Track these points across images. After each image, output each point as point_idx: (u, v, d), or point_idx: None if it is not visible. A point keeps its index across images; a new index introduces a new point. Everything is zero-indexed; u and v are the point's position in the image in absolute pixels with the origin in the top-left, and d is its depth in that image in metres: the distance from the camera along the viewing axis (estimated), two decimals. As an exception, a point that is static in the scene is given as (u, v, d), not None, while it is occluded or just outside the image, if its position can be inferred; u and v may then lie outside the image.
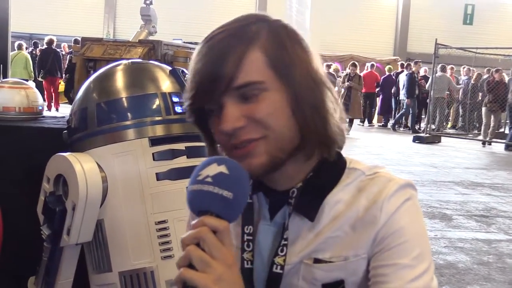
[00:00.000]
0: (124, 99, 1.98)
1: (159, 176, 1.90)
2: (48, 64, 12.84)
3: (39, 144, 2.80)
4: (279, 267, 0.93)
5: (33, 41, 15.82)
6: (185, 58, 2.97)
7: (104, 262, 1.93)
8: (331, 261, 0.91)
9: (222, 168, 0.82)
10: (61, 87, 12.96)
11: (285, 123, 0.89)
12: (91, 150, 1.95)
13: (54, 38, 13.53)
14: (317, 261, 0.92)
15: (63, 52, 14.42)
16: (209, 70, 0.88)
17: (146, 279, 1.88)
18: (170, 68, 2.11)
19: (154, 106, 1.98)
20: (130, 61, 2.17)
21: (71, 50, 12.56)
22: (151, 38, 3.30)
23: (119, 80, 2.04)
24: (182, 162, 1.92)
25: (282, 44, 0.90)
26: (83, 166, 1.88)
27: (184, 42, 5.02)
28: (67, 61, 12.57)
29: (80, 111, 2.01)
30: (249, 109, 0.88)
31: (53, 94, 13.32)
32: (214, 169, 0.83)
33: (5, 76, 3.91)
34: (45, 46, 13.38)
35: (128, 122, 1.95)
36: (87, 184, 1.86)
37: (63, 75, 12.64)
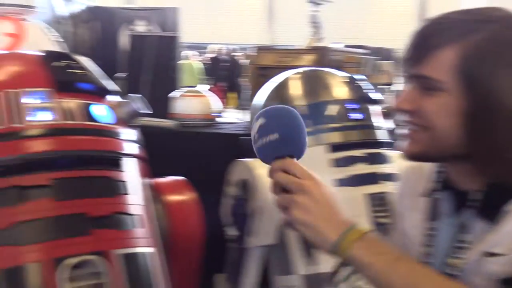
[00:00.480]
0: (300, 106, 2.04)
1: (339, 183, 1.93)
2: (216, 71, 13.58)
3: (216, 148, 2.98)
4: (454, 268, 0.94)
5: (198, 50, 16.79)
6: (354, 63, 2.98)
7: (287, 264, 2.00)
8: (507, 254, 0.88)
9: (260, 121, 0.95)
10: (230, 95, 13.61)
11: (451, 129, 0.89)
12: (272, 156, 2.02)
13: (219, 47, 14.26)
14: (492, 255, 0.90)
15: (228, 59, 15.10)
16: (410, 45, 0.92)
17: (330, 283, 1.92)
18: (346, 75, 2.14)
19: (331, 113, 2.01)
20: (305, 69, 2.23)
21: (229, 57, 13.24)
22: (319, 44, 3.35)
23: (296, 89, 2.11)
24: (362, 168, 1.94)
25: (491, 57, 0.87)
26: (264, 171, 1.96)
27: (345, 46, 5.04)
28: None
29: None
30: (421, 100, 0.90)
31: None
32: (256, 126, 0.97)
33: (176, 84, 4.18)
34: (211, 54, 14.15)
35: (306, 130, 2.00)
36: (267, 190, 1.93)
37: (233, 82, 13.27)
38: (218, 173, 2.28)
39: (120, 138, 1.16)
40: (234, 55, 14.30)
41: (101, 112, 1.14)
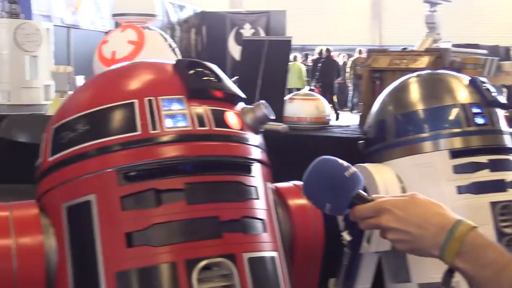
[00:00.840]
0: (420, 111, 1.99)
1: (460, 190, 1.87)
2: (322, 72, 13.57)
3: (329, 151, 2.97)
4: None
5: (304, 52, 16.86)
6: (473, 65, 2.86)
7: (402, 272, 1.96)
8: None
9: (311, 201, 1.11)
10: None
11: None
12: (389, 161, 1.99)
13: (325, 48, 14.23)
14: None
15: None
16: None
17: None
18: (469, 78, 2.06)
19: (453, 118, 1.95)
20: (425, 72, 2.17)
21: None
22: (436, 45, 3.25)
23: (415, 92, 2.06)
24: (484, 175, 1.86)
25: None
26: (383, 176, 1.93)
27: (453, 45, 4.84)
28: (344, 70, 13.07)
29: (378, 123, 2.08)
30: None
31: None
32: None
33: (285, 86, 4.20)
34: (317, 56, 14.15)
35: (425, 135, 1.95)
36: (387, 194, 1.90)
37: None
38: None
39: (249, 143, 1.19)
40: (332, 56, 14.22)
41: (231, 118, 1.16)
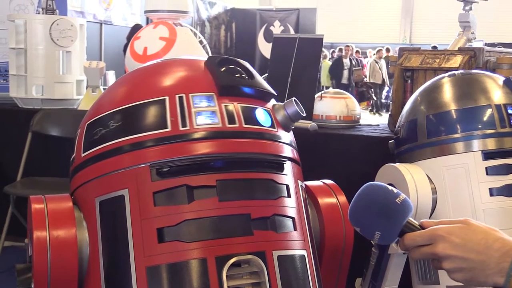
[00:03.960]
0: (453, 111, 1.96)
1: (493, 192, 1.84)
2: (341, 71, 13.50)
3: (358, 150, 2.96)
4: None
5: (331, 50, 16.77)
6: (509, 65, 2.80)
7: (431, 273, 1.94)
8: None
9: (358, 230, 1.05)
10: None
11: None
12: (420, 162, 1.97)
13: (353, 46, 14.14)
14: None
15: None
16: None
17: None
18: (504, 78, 2.02)
19: (487, 119, 1.91)
20: (459, 71, 2.14)
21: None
22: (470, 45, 3.19)
23: (448, 92, 2.03)
24: (520, 178, 1.83)
25: None
26: (413, 176, 1.92)
27: (486, 45, 4.75)
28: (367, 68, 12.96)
29: (409, 122, 2.06)
30: None
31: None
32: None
33: (315, 84, 4.19)
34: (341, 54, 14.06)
35: (457, 135, 1.93)
36: (417, 194, 1.89)
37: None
38: (362, 176, 2.26)
39: (281, 141, 1.19)
40: (355, 55, 14.10)
41: (262, 115, 1.16)
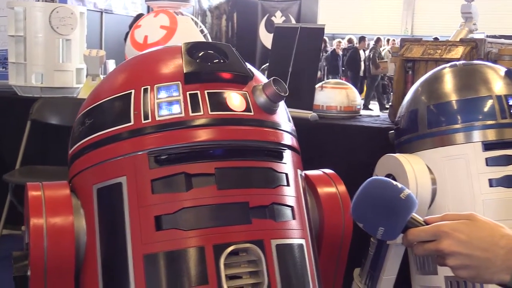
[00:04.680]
0: (454, 102, 1.95)
1: (492, 183, 1.83)
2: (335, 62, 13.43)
3: (358, 141, 2.95)
4: None
5: (336, 40, 16.69)
6: (510, 56, 2.79)
7: (429, 264, 1.94)
8: None
9: (361, 226, 1.00)
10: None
11: None
12: (420, 152, 1.97)
13: (354, 38, 14.06)
14: None
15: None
16: None
17: (475, 286, 1.83)
18: (505, 69, 2.01)
19: (487, 110, 1.90)
20: (460, 62, 2.12)
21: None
22: (472, 36, 3.18)
23: (449, 83, 2.02)
24: (520, 169, 1.82)
25: None
26: (413, 167, 1.91)
27: (488, 36, 4.72)
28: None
29: (410, 113, 2.05)
30: None
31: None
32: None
33: (316, 74, 4.18)
34: (348, 45, 13.98)
35: (457, 126, 1.92)
36: (417, 185, 1.88)
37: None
38: (362, 166, 2.25)
39: (280, 129, 1.17)
40: (352, 46, 13.97)
41: (235, 100, 1.12)
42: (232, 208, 1.06)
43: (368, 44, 13.91)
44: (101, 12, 8.54)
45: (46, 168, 3.43)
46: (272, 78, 1.13)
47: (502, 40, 3.09)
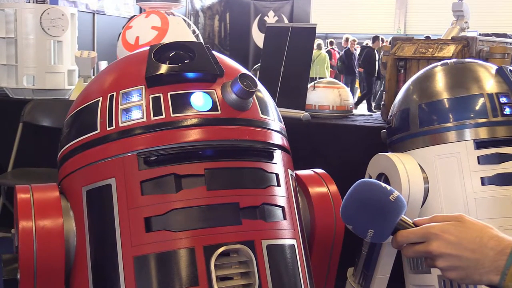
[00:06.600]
0: (445, 100, 1.95)
1: (484, 181, 1.83)
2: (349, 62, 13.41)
3: (351, 140, 2.95)
4: None
5: (328, 40, 16.70)
6: (502, 54, 2.79)
7: (422, 263, 1.94)
8: None
9: (351, 228, 0.99)
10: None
11: None
12: (412, 151, 1.97)
13: (350, 36, 14.06)
14: None
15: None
16: None
17: (468, 285, 1.83)
18: (496, 67, 2.01)
19: (479, 108, 1.90)
20: (451, 60, 2.12)
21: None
22: (463, 34, 3.18)
23: (440, 81, 2.01)
24: (509, 167, 1.82)
25: None
26: (405, 166, 1.91)
27: (480, 35, 4.74)
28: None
29: (402, 112, 2.05)
30: None
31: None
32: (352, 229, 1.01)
33: (308, 74, 4.18)
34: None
35: (449, 124, 1.92)
36: (409, 184, 1.88)
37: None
38: (354, 165, 2.26)
39: (270, 128, 1.17)
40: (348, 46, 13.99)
41: (199, 100, 1.11)
42: (222, 209, 1.06)
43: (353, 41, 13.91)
44: (93, 13, 8.52)
45: (39, 170, 3.41)
46: (239, 74, 1.11)
47: (494, 38, 3.10)
